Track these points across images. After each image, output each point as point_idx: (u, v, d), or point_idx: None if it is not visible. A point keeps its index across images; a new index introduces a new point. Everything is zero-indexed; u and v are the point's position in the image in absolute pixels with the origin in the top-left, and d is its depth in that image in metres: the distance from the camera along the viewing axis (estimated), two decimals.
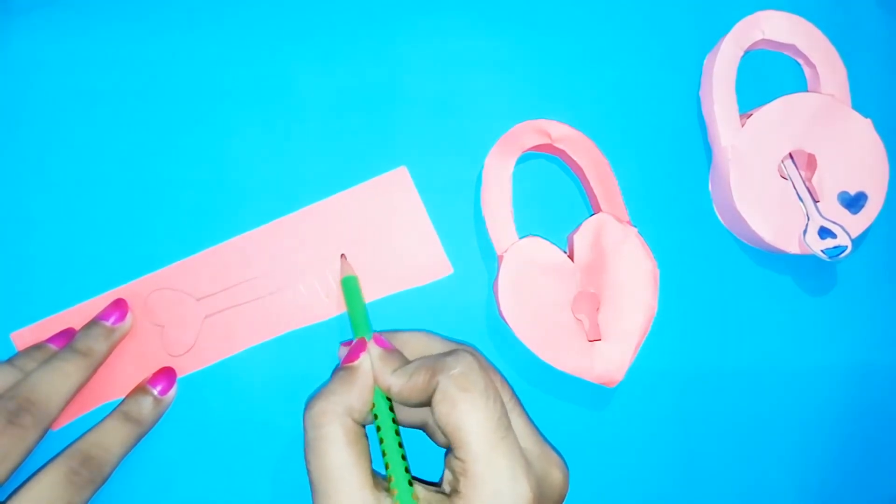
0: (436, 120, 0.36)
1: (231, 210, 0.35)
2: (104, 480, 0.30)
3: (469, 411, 0.26)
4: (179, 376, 0.33)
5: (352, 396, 0.28)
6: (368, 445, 0.28)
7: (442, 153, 0.36)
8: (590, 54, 0.38)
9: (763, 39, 0.37)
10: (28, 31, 0.35)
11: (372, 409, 0.29)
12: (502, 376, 0.31)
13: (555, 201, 0.36)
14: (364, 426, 0.29)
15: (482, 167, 0.35)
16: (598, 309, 0.34)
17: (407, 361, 0.29)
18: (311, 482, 0.27)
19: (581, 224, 0.34)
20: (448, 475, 0.27)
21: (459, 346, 0.30)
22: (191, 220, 0.35)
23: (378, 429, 0.29)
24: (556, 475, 0.28)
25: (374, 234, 0.35)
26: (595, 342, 0.33)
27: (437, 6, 0.37)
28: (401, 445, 0.28)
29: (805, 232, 0.35)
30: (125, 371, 0.33)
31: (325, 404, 0.27)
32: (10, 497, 0.28)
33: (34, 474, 0.28)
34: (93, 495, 0.29)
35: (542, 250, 0.34)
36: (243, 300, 0.34)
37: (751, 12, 0.37)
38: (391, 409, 0.29)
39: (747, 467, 0.36)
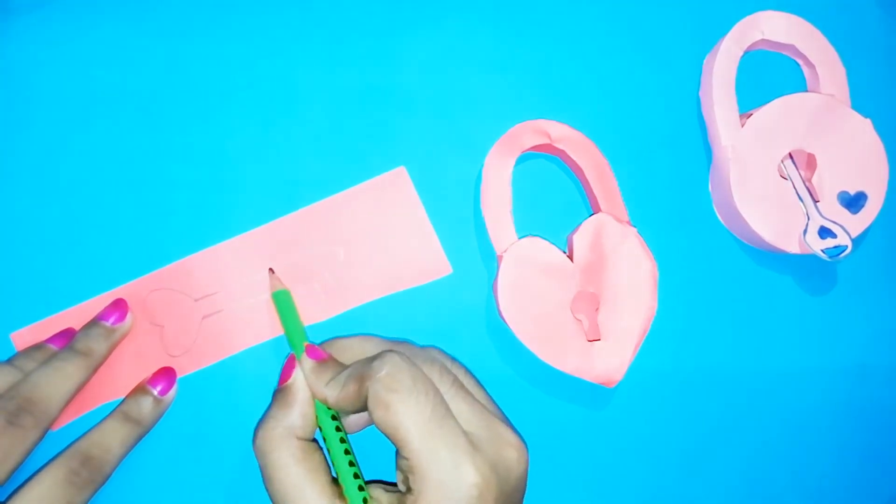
0: (436, 120, 0.36)
1: (230, 210, 0.35)
2: (104, 480, 0.30)
3: (401, 411, 0.26)
4: (179, 376, 0.33)
5: (292, 416, 0.28)
6: (322, 455, 0.28)
7: (442, 153, 0.36)
8: (589, 54, 0.38)
9: (763, 40, 0.37)
10: (28, 32, 0.35)
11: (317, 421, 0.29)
12: (452, 359, 0.31)
13: (554, 201, 0.36)
14: (315, 439, 0.29)
15: (482, 167, 0.35)
16: (597, 309, 0.34)
17: (343, 369, 0.29)
18: (268, 490, 0.27)
19: (580, 224, 0.34)
20: (399, 475, 0.28)
21: (392, 345, 0.31)
22: (190, 220, 0.35)
23: (324, 439, 0.29)
24: (510, 455, 0.28)
25: (372, 235, 0.34)
26: (594, 342, 0.33)
27: (437, 6, 0.37)
28: (347, 452, 0.28)
29: (805, 232, 0.35)
30: (124, 371, 0.33)
31: (267, 431, 0.28)
32: (10, 497, 0.28)
33: (34, 474, 0.28)
34: (93, 495, 0.29)
35: (542, 250, 0.34)
36: (242, 300, 0.34)
37: (750, 13, 0.37)
38: (335, 416, 0.29)
39: (747, 467, 0.36)
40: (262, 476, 0.28)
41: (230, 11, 0.36)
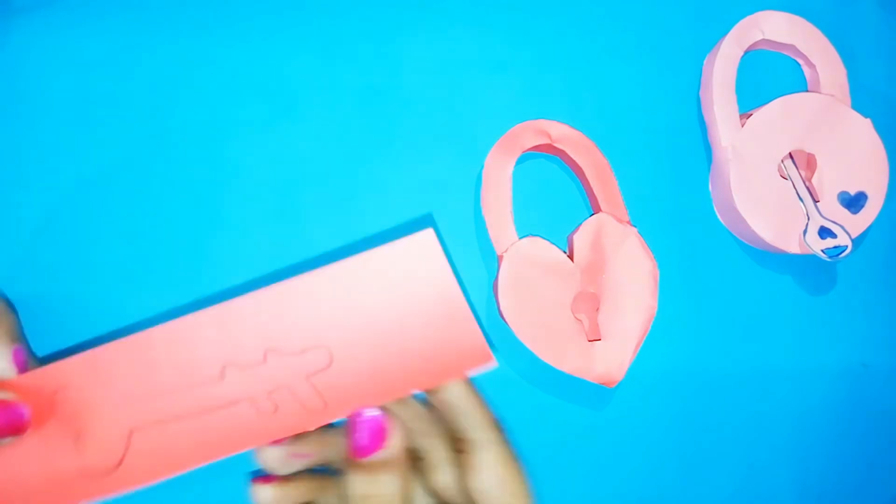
0: (436, 120, 0.36)
1: (230, 209, 0.35)
2: None
3: (522, 485, 0.25)
4: (97, 499, 0.24)
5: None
6: None
7: (442, 153, 0.36)
8: (589, 55, 0.38)
9: (763, 40, 0.37)
10: (28, 31, 0.35)
11: None
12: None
13: (554, 201, 0.36)
14: None
15: (482, 167, 0.35)
16: (597, 309, 0.34)
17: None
18: None
19: (581, 224, 0.34)
20: None
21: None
22: (189, 220, 0.35)
23: None
24: None
25: (390, 316, 0.23)
26: (595, 342, 0.33)
27: (437, 7, 0.37)
28: None
29: (805, 232, 0.35)
30: (31, 486, 0.24)
31: None
32: None
33: None
34: None
35: (542, 250, 0.34)
36: (184, 412, 0.24)
37: (751, 12, 0.37)
38: None
39: (747, 467, 0.36)
40: None
41: (231, 11, 0.36)
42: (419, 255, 0.23)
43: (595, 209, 0.36)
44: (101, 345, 0.23)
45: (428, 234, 0.23)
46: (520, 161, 0.36)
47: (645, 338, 0.34)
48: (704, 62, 0.38)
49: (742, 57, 0.37)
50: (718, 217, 0.38)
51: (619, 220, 0.34)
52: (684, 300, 0.36)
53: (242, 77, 0.36)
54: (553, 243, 0.34)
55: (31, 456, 0.24)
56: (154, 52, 0.36)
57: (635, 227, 0.35)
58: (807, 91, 0.38)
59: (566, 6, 0.38)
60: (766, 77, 0.38)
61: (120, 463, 0.24)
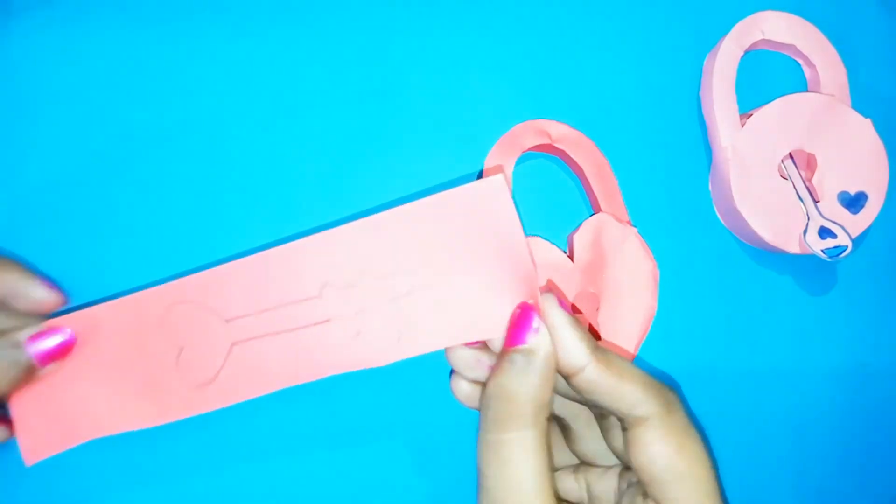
0: (435, 120, 0.36)
1: (229, 210, 0.35)
2: None
3: (693, 462, 0.22)
4: (193, 414, 0.27)
5: (543, 390, 0.22)
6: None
7: (442, 153, 0.36)
8: (589, 54, 0.38)
9: (763, 39, 0.37)
10: (28, 31, 0.35)
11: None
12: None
13: (555, 201, 0.36)
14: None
15: (482, 167, 0.35)
16: (597, 309, 0.34)
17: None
18: (484, 488, 0.21)
19: (581, 224, 0.34)
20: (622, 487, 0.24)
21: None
22: (188, 220, 0.35)
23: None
24: None
25: (456, 261, 0.26)
26: None
27: (437, 6, 0.37)
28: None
29: (805, 232, 0.35)
30: (129, 398, 0.27)
31: (514, 406, 0.22)
32: None
33: None
34: None
35: (542, 250, 0.34)
36: (283, 328, 0.26)
37: (751, 12, 0.37)
38: None
39: (747, 467, 0.36)
40: (484, 449, 0.22)
41: (230, 10, 0.36)
42: (489, 197, 0.25)
43: (595, 209, 0.36)
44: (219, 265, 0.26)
45: (498, 179, 0.25)
46: (520, 161, 0.36)
47: (645, 338, 0.34)
48: (704, 62, 0.38)
49: (742, 57, 0.37)
50: (718, 217, 0.38)
51: (620, 220, 0.34)
52: (684, 300, 0.36)
53: (242, 75, 0.36)
54: (553, 243, 0.34)
55: (133, 370, 0.27)
56: (153, 50, 0.36)
57: (635, 227, 0.34)
58: (807, 91, 0.38)
59: (566, 6, 0.38)
60: (767, 77, 0.38)
61: (215, 377, 0.26)
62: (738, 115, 0.36)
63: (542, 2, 0.38)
